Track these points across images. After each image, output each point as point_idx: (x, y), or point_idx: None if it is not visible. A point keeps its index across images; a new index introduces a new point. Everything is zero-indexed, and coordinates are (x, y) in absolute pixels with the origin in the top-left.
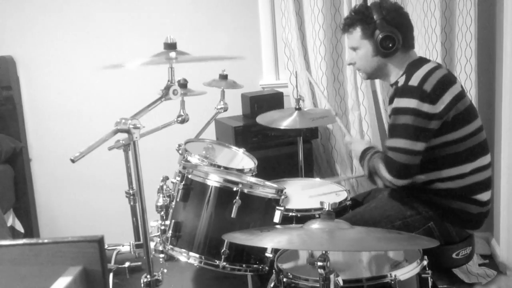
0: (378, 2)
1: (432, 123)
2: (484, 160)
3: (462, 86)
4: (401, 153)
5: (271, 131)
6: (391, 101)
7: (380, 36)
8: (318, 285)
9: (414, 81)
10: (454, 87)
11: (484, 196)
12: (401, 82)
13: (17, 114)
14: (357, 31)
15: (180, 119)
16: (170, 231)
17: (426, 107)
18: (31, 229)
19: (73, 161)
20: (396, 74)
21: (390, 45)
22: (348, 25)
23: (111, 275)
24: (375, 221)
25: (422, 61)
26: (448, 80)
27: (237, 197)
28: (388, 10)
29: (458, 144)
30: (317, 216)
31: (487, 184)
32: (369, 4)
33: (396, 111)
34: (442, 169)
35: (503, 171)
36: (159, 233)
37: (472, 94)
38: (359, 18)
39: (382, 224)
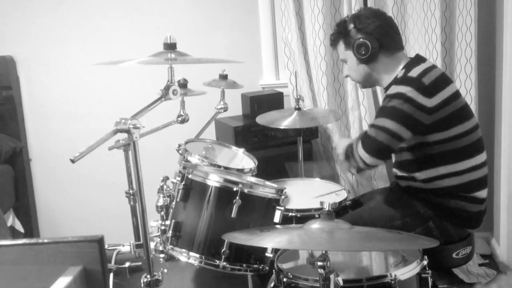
0: (356, 12)
1: (422, 115)
2: (481, 158)
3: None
4: (383, 132)
5: (271, 131)
6: (387, 89)
7: (354, 44)
8: (318, 285)
9: (414, 73)
10: (451, 86)
11: (482, 194)
12: (400, 74)
13: (17, 114)
14: (340, 44)
15: (180, 119)
16: (170, 231)
17: (420, 98)
18: (31, 229)
19: (73, 161)
20: (387, 78)
21: (364, 51)
22: (333, 40)
23: (111, 275)
24: (374, 221)
25: (421, 59)
26: (446, 79)
27: (237, 197)
28: (361, 18)
29: (455, 141)
30: (317, 216)
31: (484, 182)
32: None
33: (390, 96)
34: (439, 166)
35: (503, 171)
36: (159, 233)
37: (472, 94)
38: (339, 31)
39: (381, 224)
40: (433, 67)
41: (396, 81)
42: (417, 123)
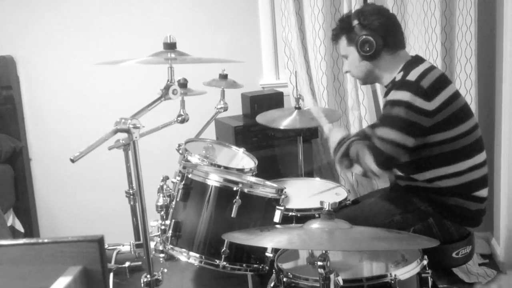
0: (359, 8)
1: (423, 120)
2: (480, 157)
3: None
4: (390, 144)
5: (271, 131)
6: (386, 94)
7: (358, 41)
8: (318, 285)
9: (412, 76)
10: (450, 87)
11: (482, 193)
12: (399, 77)
13: (17, 114)
14: (343, 40)
15: (180, 118)
16: (170, 231)
17: (419, 102)
18: (31, 229)
19: (73, 161)
20: (388, 76)
21: (368, 48)
22: (335, 35)
23: (111, 275)
24: (375, 215)
25: (420, 60)
26: (445, 79)
27: (237, 197)
28: (366, 14)
29: (455, 142)
30: (317, 216)
31: (485, 181)
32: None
33: (391, 103)
34: (439, 167)
35: (503, 171)
36: (159, 232)
37: (472, 94)
38: (342, 26)
39: (381, 218)
40: (432, 68)
41: (395, 85)
42: (420, 128)
